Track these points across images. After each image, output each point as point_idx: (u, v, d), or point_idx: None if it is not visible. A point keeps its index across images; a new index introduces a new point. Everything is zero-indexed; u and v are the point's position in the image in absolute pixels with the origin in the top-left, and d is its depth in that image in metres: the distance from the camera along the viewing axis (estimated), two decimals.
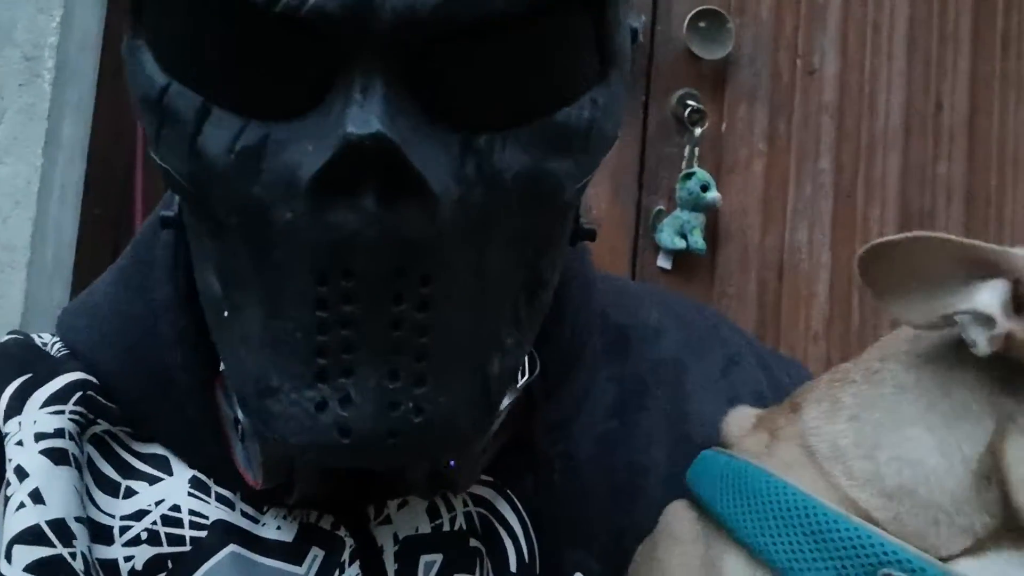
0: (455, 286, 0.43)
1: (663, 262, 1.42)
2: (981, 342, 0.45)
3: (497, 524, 0.55)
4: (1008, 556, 0.45)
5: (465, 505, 0.54)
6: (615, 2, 0.46)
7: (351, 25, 0.39)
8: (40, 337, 0.56)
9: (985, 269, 0.46)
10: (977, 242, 0.46)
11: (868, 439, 0.48)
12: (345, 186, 0.40)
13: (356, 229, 0.40)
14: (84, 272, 1.28)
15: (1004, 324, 0.45)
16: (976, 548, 0.45)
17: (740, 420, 0.56)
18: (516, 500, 0.56)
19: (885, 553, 0.45)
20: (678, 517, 0.53)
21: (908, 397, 0.48)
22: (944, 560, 0.45)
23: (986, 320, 0.45)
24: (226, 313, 0.45)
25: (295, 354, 0.43)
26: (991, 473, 0.45)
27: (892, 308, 0.48)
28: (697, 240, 1.39)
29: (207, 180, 0.43)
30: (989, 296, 0.45)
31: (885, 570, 0.44)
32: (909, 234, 0.46)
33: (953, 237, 0.46)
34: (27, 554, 0.47)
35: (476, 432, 0.47)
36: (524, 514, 0.56)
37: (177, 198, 0.49)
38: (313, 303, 0.42)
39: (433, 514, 0.54)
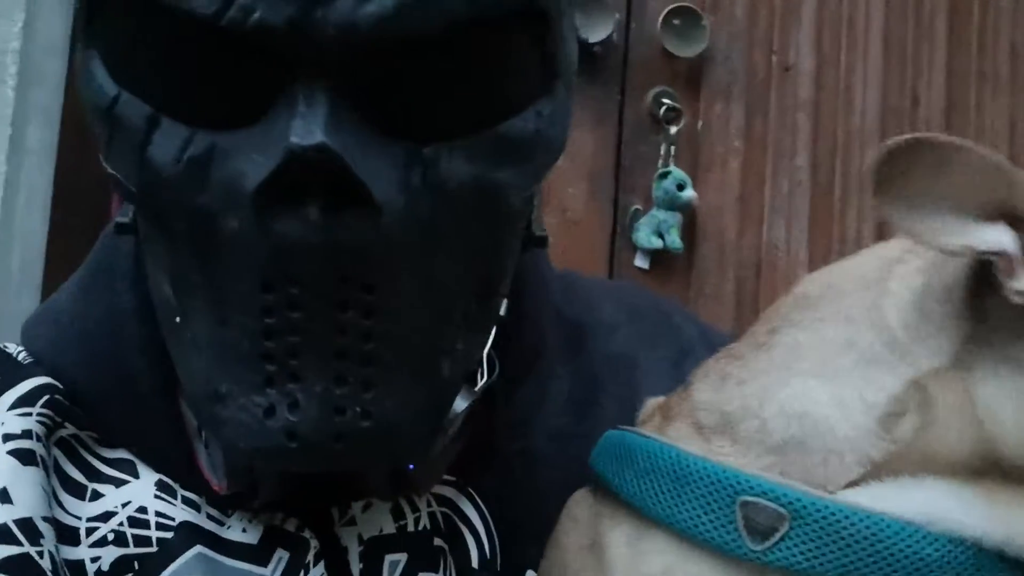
0: (400, 293, 0.44)
1: (640, 262, 1.42)
2: (1013, 293, 0.44)
3: (460, 523, 0.56)
4: (901, 481, 0.46)
5: (429, 505, 0.56)
6: (559, 16, 0.46)
7: (294, 39, 0.40)
8: (6, 347, 0.57)
9: (1008, 207, 0.44)
10: (1010, 169, 0.44)
11: (754, 400, 0.50)
12: (290, 196, 0.41)
13: (300, 238, 0.41)
14: (54, 280, 1.26)
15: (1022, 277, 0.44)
16: (870, 475, 0.46)
17: (646, 408, 0.58)
18: (478, 498, 0.57)
19: (740, 483, 0.47)
20: (576, 502, 0.56)
21: (801, 354, 0.50)
22: (837, 490, 0.46)
23: (1008, 264, 0.44)
24: (178, 320, 0.46)
25: (242, 360, 0.44)
26: (906, 409, 0.46)
27: (904, 221, 0.45)
28: (674, 239, 1.39)
29: (156, 188, 0.44)
30: (1008, 240, 0.44)
31: (743, 497, 0.47)
32: (945, 138, 0.44)
33: (991, 156, 0.44)
34: None
35: (425, 435, 0.48)
36: (486, 512, 0.57)
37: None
38: (259, 310, 0.43)
39: (397, 515, 0.55)
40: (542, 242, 0.53)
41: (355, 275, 0.43)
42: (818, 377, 0.49)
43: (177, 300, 0.46)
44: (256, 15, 0.40)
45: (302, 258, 0.42)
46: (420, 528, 0.55)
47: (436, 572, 0.55)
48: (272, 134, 0.41)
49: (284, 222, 0.41)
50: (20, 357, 0.55)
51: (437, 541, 0.55)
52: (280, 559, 0.52)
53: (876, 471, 0.47)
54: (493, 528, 0.57)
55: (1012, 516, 0.45)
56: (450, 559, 0.56)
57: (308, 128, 0.40)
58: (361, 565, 0.53)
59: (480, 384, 0.53)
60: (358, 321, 0.43)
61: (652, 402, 0.58)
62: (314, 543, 0.53)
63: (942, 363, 0.47)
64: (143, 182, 0.44)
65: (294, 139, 0.40)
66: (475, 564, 0.56)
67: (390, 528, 0.55)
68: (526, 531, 0.57)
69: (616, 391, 0.62)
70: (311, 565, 0.52)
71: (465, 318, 0.48)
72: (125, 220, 0.51)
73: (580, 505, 0.56)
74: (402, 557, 0.54)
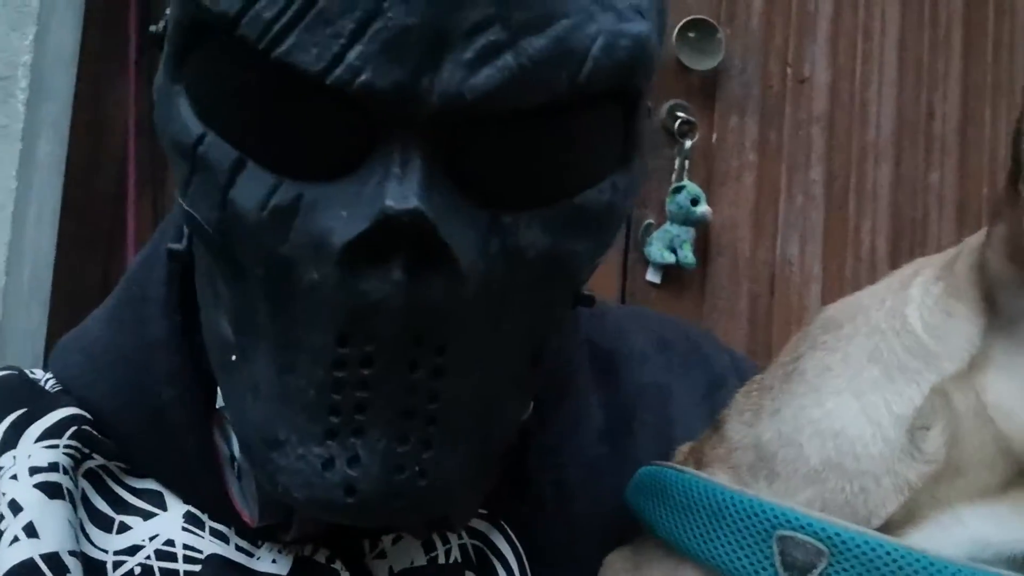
0: (469, 356, 0.44)
1: (653, 276, 1.41)
2: None
3: (491, 555, 0.56)
4: (940, 520, 0.45)
5: (460, 538, 0.56)
6: (646, 96, 0.48)
7: (399, 103, 0.41)
8: (33, 373, 0.57)
9: None
10: None
11: (790, 425, 0.49)
12: (376, 255, 0.42)
13: (383, 297, 0.42)
14: (63, 295, 1.26)
15: None
16: (912, 506, 0.46)
17: (677, 455, 0.58)
18: (509, 530, 0.57)
19: (777, 516, 0.46)
20: (614, 568, 0.55)
21: (832, 374, 0.49)
22: (881, 529, 0.46)
23: None
24: (234, 358, 0.46)
25: (306, 410, 0.44)
26: (932, 420, 0.46)
27: None
28: (687, 255, 1.38)
29: (235, 232, 0.44)
30: None
31: (780, 532, 0.46)
32: None
33: None
34: None
35: (472, 494, 0.49)
36: (518, 544, 0.57)
37: (187, 234, 0.51)
38: (331, 363, 0.43)
39: (428, 547, 0.55)
40: (589, 302, 0.53)
41: (430, 335, 0.43)
42: (850, 393, 0.48)
43: (236, 339, 0.46)
44: (363, 77, 0.40)
45: (382, 316, 0.42)
46: (451, 561, 0.55)
47: None
48: (363, 193, 0.42)
49: (368, 280, 0.42)
50: (48, 385, 0.55)
51: (469, 574, 0.55)
52: None
53: (916, 500, 0.46)
54: (525, 560, 0.57)
55: None
56: None
57: (404, 192, 0.41)
58: None
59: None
60: (426, 382, 0.44)
61: (683, 448, 0.57)
62: (345, 575, 0.53)
63: (961, 365, 0.47)
64: (222, 224, 0.44)
65: (389, 202, 0.41)
66: None
67: (421, 560, 0.54)
68: (559, 562, 0.57)
69: (649, 420, 0.62)
70: None
71: (520, 379, 0.49)
72: (179, 247, 0.51)
73: (616, 572, 0.55)
74: None
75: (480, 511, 0.56)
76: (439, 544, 0.55)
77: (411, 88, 0.41)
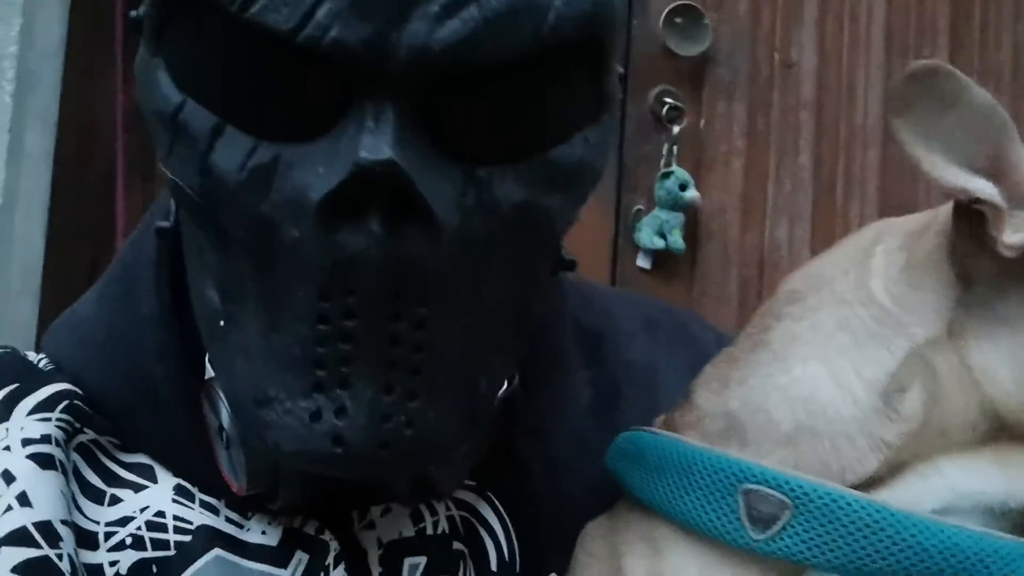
0: (451, 308, 0.45)
1: (643, 262, 1.41)
2: (1004, 247, 0.45)
3: (479, 527, 0.57)
4: (920, 471, 0.46)
5: (448, 509, 0.56)
6: (611, 51, 0.49)
7: (368, 58, 0.42)
8: (27, 354, 0.58)
9: (997, 161, 0.46)
10: (1008, 123, 0.46)
11: (758, 393, 0.50)
12: (353, 208, 0.42)
13: (361, 250, 0.43)
14: (54, 286, 1.26)
15: (1007, 232, 0.45)
16: (893, 463, 0.47)
17: (655, 423, 0.59)
18: (497, 503, 0.58)
19: (742, 471, 0.48)
20: (591, 536, 0.56)
21: (799, 343, 0.51)
22: (860, 485, 0.47)
23: (997, 212, 0.45)
24: (223, 324, 0.47)
25: (292, 366, 0.45)
26: (909, 383, 0.47)
27: (914, 148, 0.46)
28: (676, 239, 1.38)
29: (217, 195, 0.45)
30: (990, 190, 0.46)
31: (745, 486, 0.47)
32: (965, 80, 0.46)
33: (998, 108, 0.46)
34: (14, 555, 0.48)
35: (459, 446, 0.49)
36: (505, 516, 0.58)
37: (173, 210, 0.52)
38: (314, 317, 0.44)
39: (416, 518, 0.56)
40: (571, 265, 0.54)
41: (410, 288, 0.44)
42: (818, 360, 0.49)
43: (223, 305, 0.47)
44: (332, 33, 0.41)
45: (361, 269, 0.43)
46: (439, 532, 0.56)
47: (455, 575, 0.55)
48: (339, 148, 0.43)
49: (346, 234, 0.43)
50: (41, 364, 0.56)
51: (456, 545, 0.56)
52: (300, 561, 0.53)
53: (897, 458, 0.47)
54: (512, 532, 0.58)
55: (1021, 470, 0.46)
56: (469, 563, 0.56)
57: (376, 144, 0.42)
58: (381, 568, 0.54)
59: (501, 392, 0.54)
60: (409, 332, 0.44)
61: (660, 418, 0.58)
62: (334, 545, 0.54)
63: (937, 332, 0.48)
64: (203, 189, 0.45)
65: (363, 153, 0.42)
66: (494, 567, 0.56)
67: (409, 532, 0.55)
68: (547, 535, 0.58)
69: (636, 397, 0.63)
70: (331, 568, 0.53)
71: (503, 337, 0.49)
72: (166, 224, 0.52)
73: (596, 541, 0.56)
74: (421, 560, 0.55)
75: (468, 483, 0.57)
76: (427, 515, 0.56)
77: (380, 43, 0.42)
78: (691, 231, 1.42)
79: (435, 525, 0.56)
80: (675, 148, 1.41)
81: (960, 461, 0.47)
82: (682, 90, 1.44)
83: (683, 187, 1.38)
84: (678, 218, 1.39)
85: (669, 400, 0.62)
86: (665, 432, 0.54)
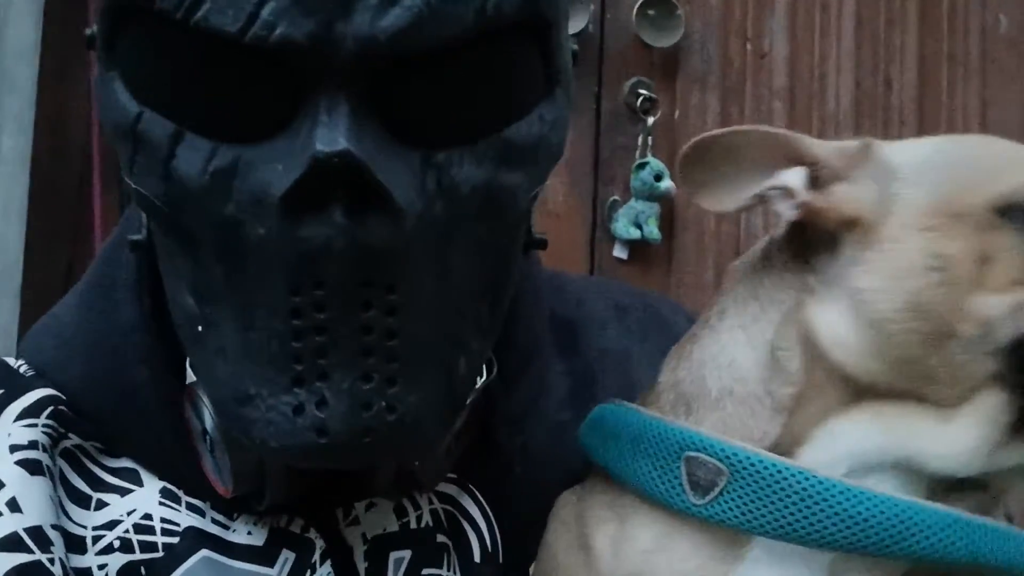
0: (420, 292, 0.46)
1: (619, 252, 1.42)
2: (786, 212, 0.52)
3: (462, 519, 0.58)
4: (826, 428, 0.49)
5: (431, 503, 0.57)
6: (558, 27, 0.49)
7: (316, 53, 0.42)
8: (8, 361, 0.58)
9: (791, 158, 0.53)
10: (785, 132, 0.54)
11: (697, 363, 0.54)
12: (314, 201, 0.43)
13: (326, 241, 0.43)
14: (34, 289, 1.25)
15: (803, 196, 0.52)
16: (793, 426, 0.50)
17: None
18: (479, 494, 0.59)
19: (684, 439, 0.50)
20: (562, 505, 0.58)
21: (727, 314, 0.55)
22: (774, 447, 0.49)
23: (789, 194, 0.53)
24: (200, 328, 0.48)
25: (271, 362, 0.45)
26: (790, 344, 0.51)
27: (706, 200, 0.54)
28: (652, 230, 1.40)
29: (182, 201, 0.45)
30: (793, 177, 0.53)
31: (687, 453, 0.49)
32: (729, 128, 0.54)
33: (768, 129, 0.54)
34: (6, 561, 0.49)
35: (443, 429, 0.50)
36: (487, 507, 0.59)
37: (144, 222, 0.52)
38: (287, 313, 0.44)
39: (400, 513, 0.56)
40: (542, 244, 0.55)
41: (378, 275, 0.44)
42: (740, 328, 0.53)
43: (200, 310, 0.47)
44: (279, 31, 0.42)
45: (327, 260, 0.43)
46: (423, 525, 0.56)
47: (440, 568, 0.56)
48: (296, 144, 0.43)
49: (310, 227, 0.43)
50: (22, 370, 0.56)
51: (440, 537, 0.57)
52: (286, 560, 0.54)
53: (796, 419, 0.49)
54: (495, 523, 0.59)
55: (897, 427, 0.48)
56: (453, 555, 0.57)
57: (332, 136, 0.42)
58: (366, 563, 0.55)
59: (479, 382, 0.54)
60: (382, 320, 0.45)
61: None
62: (320, 543, 0.54)
63: (793, 301, 0.52)
64: (168, 196, 0.46)
65: (319, 146, 0.42)
66: (477, 558, 0.57)
67: (393, 526, 0.56)
68: (528, 524, 0.58)
69: (612, 384, 0.64)
70: (317, 565, 0.54)
71: (478, 318, 0.50)
72: (139, 237, 0.52)
73: (566, 508, 0.58)
74: (406, 554, 0.55)
75: (450, 476, 0.58)
76: (411, 510, 0.57)
77: (326, 36, 0.42)
78: (667, 221, 1.43)
79: (419, 519, 0.57)
80: (650, 139, 1.42)
81: (845, 424, 0.49)
82: (656, 81, 1.45)
83: (658, 177, 1.39)
84: (654, 208, 1.40)
85: (643, 386, 0.63)
86: (626, 404, 0.56)
